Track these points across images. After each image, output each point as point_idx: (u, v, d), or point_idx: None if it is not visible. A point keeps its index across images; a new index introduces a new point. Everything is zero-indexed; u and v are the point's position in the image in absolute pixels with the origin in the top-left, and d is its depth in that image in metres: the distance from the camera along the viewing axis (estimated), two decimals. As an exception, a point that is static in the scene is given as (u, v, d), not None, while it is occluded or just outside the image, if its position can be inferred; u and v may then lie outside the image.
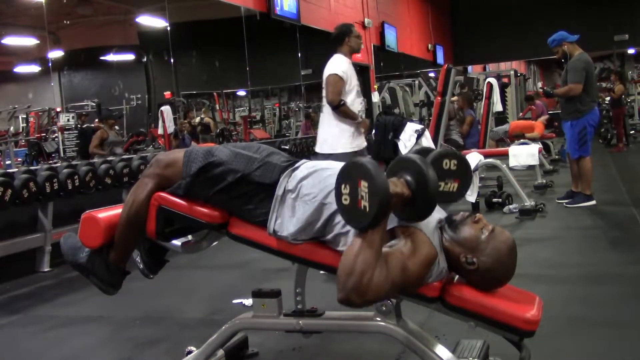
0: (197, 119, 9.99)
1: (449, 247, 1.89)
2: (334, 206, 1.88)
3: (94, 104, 9.32)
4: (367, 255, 1.66)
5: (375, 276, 1.65)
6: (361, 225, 1.67)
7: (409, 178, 1.74)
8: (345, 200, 1.68)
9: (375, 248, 1.67)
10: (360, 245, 1.67)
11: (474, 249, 1.85)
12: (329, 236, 1.92)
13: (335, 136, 4.50)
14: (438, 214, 1.93)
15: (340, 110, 4.42)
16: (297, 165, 2.05)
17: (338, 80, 4.39)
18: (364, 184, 1.63)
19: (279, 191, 1.98)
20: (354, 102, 4.51)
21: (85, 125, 8.30)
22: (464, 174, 2.08)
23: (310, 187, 1.95)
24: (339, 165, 2.02)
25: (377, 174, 1.63)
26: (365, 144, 4.70)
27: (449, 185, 2.06)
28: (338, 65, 4.46)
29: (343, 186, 1.69)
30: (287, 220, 1.96)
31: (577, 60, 5.80)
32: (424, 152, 2.09)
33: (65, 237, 2.24)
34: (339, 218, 1.87)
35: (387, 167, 1.83)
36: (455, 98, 9.25)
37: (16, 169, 5.12)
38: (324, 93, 4.54)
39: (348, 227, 1.85)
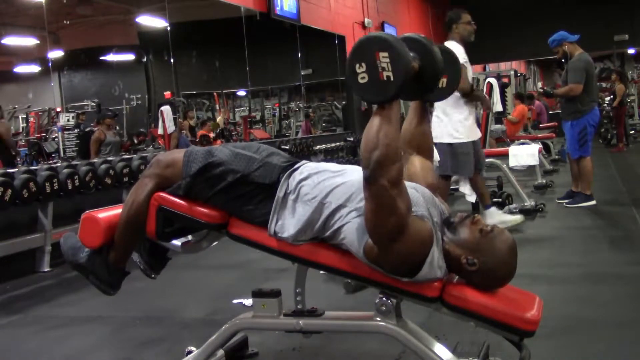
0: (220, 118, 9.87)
1: (449, 249, 1.88)
2: (334, 205, 1.88)
3: (94, 104, 9.33)
4: (389, 130, 1.68)
5: (398, 152, 1.69)
6: (388, 95, 1.68)
7: (413, 54, 1.76)
8: (363, 79, 1.68)
9: (394, 122, 1.70)
10: (379, 121, 1.69)
11: (474, 250, 1.85)
12: (328, 232, 1.92)
13: (458, 124, 4.58)
14: (436, 217, 1.93)
15: (473, 95, 4.48)
16: (297, 166, 2.05)
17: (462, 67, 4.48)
18: (383, 55, 1.64)
19: (280, 193, 1.98)
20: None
21: (84, 127, 8.31)
22: (451, 69, 2.10)
23: (310, 188, 1.95)
24: (339, 167, 2.03)
25: (397, 41, 1.65)
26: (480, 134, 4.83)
27: (440, 82, 2.06)
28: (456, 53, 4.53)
29: (357, 66, 1.68)
30: (288, 222, 1.96)
31: (578, 60, 5.80)
32: (409, 40, 1.97)
33: (65, 237, 2.24)
34: (338, 215, 1.88)
35: None
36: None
37: (16, 169, 5.12)
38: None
39: (346, 220, 1.85)
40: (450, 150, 4.69)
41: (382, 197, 1.69)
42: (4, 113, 7.83)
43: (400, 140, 1.72)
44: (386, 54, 1.63)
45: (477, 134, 4.83)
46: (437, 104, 4.68)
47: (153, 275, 2.26)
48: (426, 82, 1.79)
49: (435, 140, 4.63)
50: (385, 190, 1.68)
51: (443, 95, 2.18)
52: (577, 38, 5.92)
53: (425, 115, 2.19)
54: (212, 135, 9.31)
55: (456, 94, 4.44)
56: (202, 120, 10.68)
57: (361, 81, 1.68)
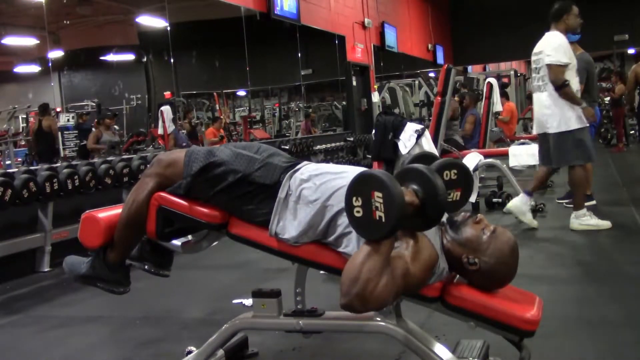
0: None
1: (450, 248, 1.89)
2: (336, 208, 1.88)
3: (94, 104, 9.34)
4: (374, 264, 1.65)
5: (380, 285, 1.65)
6: (378, 236, 1.67)
7: (416, 187, 1.74)
8: (358, 213, 1.67)
9: (383, 257, 1.67)
10: (367, 252, 1.67)
11: (475, 250, 1.86)
12: (331, 238, 1.92)
13: (571, 111, 4.60)
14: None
15: (563, 91, 4.51)
16: (298, 166, 2.05)
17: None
18: (377, 195, 1.63)
19: (282, 194, 1.98)
20: (572, 81, 4.62)
21: (86, 127, 8.34)
22: (464, 181, 2.11)
23: (312, 189, 1.95)
24: (340, 168, 2.03)
25: (393, 184, 1.63)
26: None
27: (452, 195, 2.08)
28: (559, 43, 4.58)
29: (354, 199, 1.67)
30: (289, 224, 1.96)
31: (578, 60, 5.79)
32: (422, 159, 2.09)
33: (66, 259, 2.24)
34: (341, 220, 1.87)
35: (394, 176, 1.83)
36: (456, 98, 9.27)
37: (16, 169, 5.12)
38: (540, 73, 4.73)
39: (350, 228, 1.85)
40: (572, 137, 4.67)
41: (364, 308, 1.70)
42: (50, 110, 8.28)
43: (383, 278, 1.66)
44: (380, 195, 1.62)
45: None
46: (545, 96, 4.71)
47: (167, 273, 2.26)
48: (429, 216, 1.76)
49: (550, 131, 4.70)
50: (365, 311, 1.71)
51: (456, 208, 2.13)
52: (578, 38, 5.91)
53: None
54: (221, 132, 9.32)
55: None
56: (213, 117, 10.72)
57: (356, 215, 1.68)
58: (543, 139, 4.92)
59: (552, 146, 4.77)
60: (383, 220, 1.63)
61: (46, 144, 7.80)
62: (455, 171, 2.08)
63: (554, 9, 4.81)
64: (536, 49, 4.94)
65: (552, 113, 4.69)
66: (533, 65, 5.00)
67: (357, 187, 1.68)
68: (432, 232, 1.85)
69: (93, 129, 8.21)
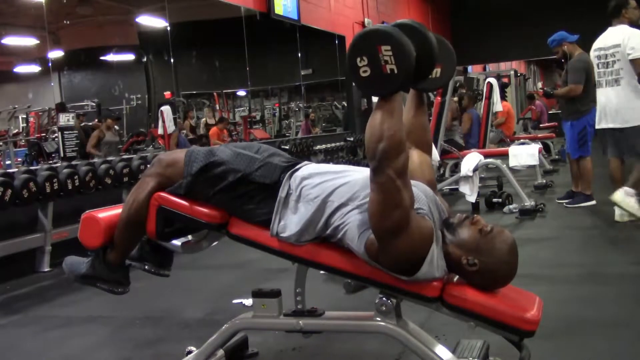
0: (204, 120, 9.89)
1: (449, 250, 1.88)
2: (336, 203, 1.89)
3: (94, 104, 9.33)
4: (392, 122, 1.68)
5: (404, 141, 1.69)
6: (393, 89, 1.68)
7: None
8: (365, 72, 1.67)
9: (398, 114, 1.69)
10: (382, 114, 1.69)
11: (474, 250, 1.85)
12: (329, 230, 1.92)
13: None
14: (438, 215, 1.93)
15: None
16: (298, 166, 2.05)
17: None
18: (385, 49, 1.63)
19: (282, 193, 1.98)
20: None
21: (83, 124, 8.33)
22: (446, 56, 2.06)
23: (312, 187, 1.95)
24: (341, 167, 2.03)
25: (399, 35, 1.64)
26: None
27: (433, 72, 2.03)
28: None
29: (359, 59, 1.67)
30: (290, 222, 1.96)
31: (578, 60, 5.80)
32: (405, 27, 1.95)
33: (65, 260, 2.24)
34: (339, 213, 1.88)
35: None
36: (455, 98, 9.26)
37: (16, 169, 5.12)
38: (614, 66, 4.75)
39: (347, 217, 1.85)
40: None
41: (388, 188, 1.69)
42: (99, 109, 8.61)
43: (404, 132, 1.71)
44: (388, 47, 1.62)
45: None
46: (621, 89, 4.75)
47: (167, 273, 2.26)
48: (421, 70, 1.76)
49: (631, 124, 4.73)
50: (392, 182, 1.69)
51: (436, 85, 2.15)
52: (577, 38, 5.92)
53: (422, 107, 2.17)
54: (224, 133, 9.31)
55: None
56: (219, 117, 10.72)
57: (363, 75, 1.67)
58: (611, 133, 4.91)
59: (630, 138, 4.77)
60: (396, 71, 1.63)
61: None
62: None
63: (611, 7, 4.86)
64: (606, 44, 4.94)
65: (633, 106, 4.71)
66: (601, 60, 4.98)
67: (360, 45, 1.67)
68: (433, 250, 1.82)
69: (92, 126, 8.24)
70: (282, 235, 1.98)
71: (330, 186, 1.92)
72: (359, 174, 1.94)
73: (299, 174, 2.00)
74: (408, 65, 1.63)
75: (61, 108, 8.06)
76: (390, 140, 1.66)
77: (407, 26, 1.78)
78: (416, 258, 1.78)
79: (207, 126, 9.20)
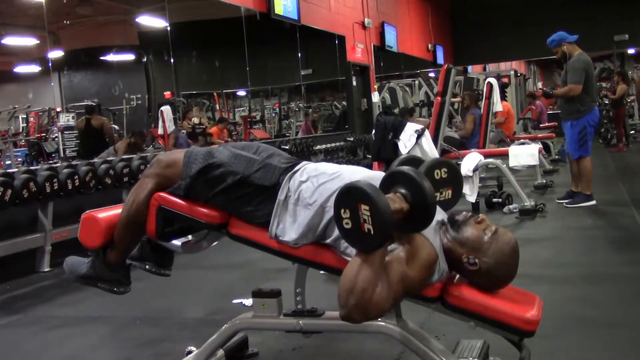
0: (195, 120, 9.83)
1: (450, 248, 1.88)
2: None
3: (94, 104, 9.32)
4: (368, 273, 1.64)
5: (377, 293, 1.65)
6: (368, 249, 1.66)
7: (404, 191, 1.72)
8: (347, 224, 1.66)
9: (376, 265, 1.66)
10: (360, 262, 1.66)
11: (476, 250, 1.85)
12: (329, 240, 1.92)
13: None
14: (438, 214, 1.93)
15: None
16: (297, 168, 2.04)
17: None
18: (364, 207, 1.61)
19: (281, 196, 1.98)
20: None
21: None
22: (455, 179, 2.13)
23: (310, 191, 1.95)
24: (339, 168, 2.03)
25: (377, 196, 1.61)
26: None
27: (443, 194, 2.10)
28: None
29: (342, 211, 1.66)
30: (289, 226, 1.96)
31: (577, 60, 5.80)
32: (411, 162, 2.09)
33: (66, 259, 2.24)
34: None
35: (382, 180, 1.81)
36: (456, 99, 9.25)
37: (16, 169, 5.11)
38: None
39: None
40: None
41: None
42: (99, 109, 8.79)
43: (379, 285, 1.65)
44: (367, 208, 1.60)
45: None
46: None
47: (167, 273, 2.26)
48: (417, 220, 1.73)
49: None
50: (366, 320, 1.72)
51: (448, 206, 2.13)
52: (576, 38, 5.91)
53: None
54: (225, 133, 9.29)
55: None
56: (219, 118, 10.70)
57: (346, 226, 1.66)
58: None
59: None
60: (372, 232, 1.61)
61: (95, 141, 8.01)
62: (445, 169, 2.10)
63: None
64: None
65: None
66: None
67: (343, 199, 1.66)
68: (431, 231, 1.84)
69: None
70: (280, 238, 1.98)
71: (326, 190, 1.92)
72: (355, 175, 1.94)
73: (298, 175, 2.00)
74: (383, 227, 1.60)
75: (91, 110, 8.18)
76: (360, 296, 1.63)
77: (402, 174, 1.75)
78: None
79: (196, 127, 9.08)
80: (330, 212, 1.88)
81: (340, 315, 1.69)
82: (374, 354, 2.56)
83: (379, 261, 1.67)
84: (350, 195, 1.65)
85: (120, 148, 7.46)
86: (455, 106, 10.08)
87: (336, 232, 1.88)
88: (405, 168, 1.80)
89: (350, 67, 11.01)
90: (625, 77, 12.68)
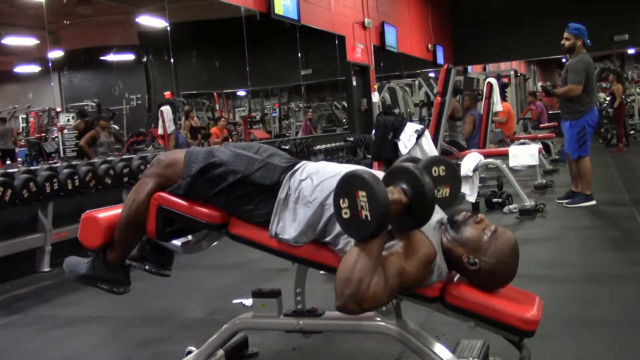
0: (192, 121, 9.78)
1: (450, 247, 1.89)
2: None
3: (94, 104, 9.32)
4: (365, 264, 1.65)
5: (373, 284, 1.65)
6: (365, 235, 1.67)
7: (404, 186, 1.74)
8: (346, 214, 1.68)
9: (374, 256, 1.67)
10: (358, 253, 1.67)
11: (476, 249, 1.85)
12: (329, 237, 1.92)
13: None
14: (438, 214, 1.93)
15: None
16: (297, 167, 2.05)
17: None
18: (362, 194, 1.63)
19: (281, 195, 1.98)
20: None
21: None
22: (453, 177, 2.13)
23: (310, 189, 1.95)
24: (339, 167, 2.03)
25: (374, 181, 1.63)
26: None
27: (441, 192, 2.10)
28: None
29: (341, 201, 1.68)
30: (289, 224, 1.96)
31: (579, 61, 5.79)
32: (411, 161, 2.10)
33: (66, 259, 2.25)
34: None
35: (383, 177, 1.82)
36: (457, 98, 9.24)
37: (16, 169, 5.11)
38: None
39: None
40: None
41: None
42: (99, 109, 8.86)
43: (376, 275, 1.67)
44: (364, 193, 1.63)
45: None
46: None
47: (167, 273, 2.26)
48: (417, 215, 1.74)
49: None
50: (361, 312, 1.71)
51: (446, 204, 2.14)
52: (589, 44, 5.88)
53: None
54: (224, 133, 9.29)
55: None
56: (217, 117, 10.69)
57: (344, 216, 1.68)
58: None
59: None
60: (369, 218, 1.63)
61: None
62: (444, 167, 2.11)
63: None
64: None
65: None
66: None
67: (343, 188, 1.69)
68: (430, 229, 1.85)
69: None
70: (280, 236, 1.98)
71: (326, 188, 1.92)
72: None
73: (298, 174, 2.00)
74: (380, 213, 1.62)
75: (83, 114, 8.19)
76: (357, 286, 1.64)
77: (403, 169, 1.77)
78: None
79: (192, 130, 9.01)
80: (330, 210, 1.89)
81: (335, 305, 1.69)
82: (374, 354, 2.56)
83: (376, 253, 1.68)
84: (348, 184, 1.67)
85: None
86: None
87: (336, 230, 1.88)
88: (406, 164, 1.82)
89: (350, 67, 11.02)
90: (620, 77, 12.70)
